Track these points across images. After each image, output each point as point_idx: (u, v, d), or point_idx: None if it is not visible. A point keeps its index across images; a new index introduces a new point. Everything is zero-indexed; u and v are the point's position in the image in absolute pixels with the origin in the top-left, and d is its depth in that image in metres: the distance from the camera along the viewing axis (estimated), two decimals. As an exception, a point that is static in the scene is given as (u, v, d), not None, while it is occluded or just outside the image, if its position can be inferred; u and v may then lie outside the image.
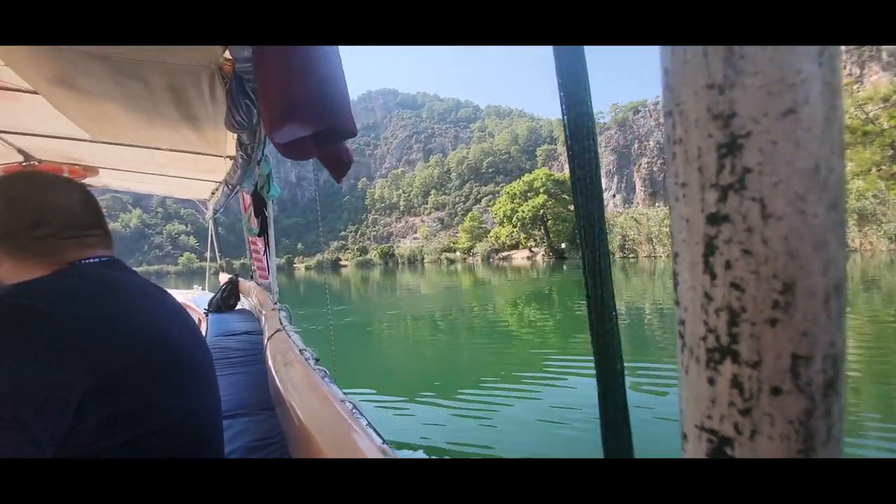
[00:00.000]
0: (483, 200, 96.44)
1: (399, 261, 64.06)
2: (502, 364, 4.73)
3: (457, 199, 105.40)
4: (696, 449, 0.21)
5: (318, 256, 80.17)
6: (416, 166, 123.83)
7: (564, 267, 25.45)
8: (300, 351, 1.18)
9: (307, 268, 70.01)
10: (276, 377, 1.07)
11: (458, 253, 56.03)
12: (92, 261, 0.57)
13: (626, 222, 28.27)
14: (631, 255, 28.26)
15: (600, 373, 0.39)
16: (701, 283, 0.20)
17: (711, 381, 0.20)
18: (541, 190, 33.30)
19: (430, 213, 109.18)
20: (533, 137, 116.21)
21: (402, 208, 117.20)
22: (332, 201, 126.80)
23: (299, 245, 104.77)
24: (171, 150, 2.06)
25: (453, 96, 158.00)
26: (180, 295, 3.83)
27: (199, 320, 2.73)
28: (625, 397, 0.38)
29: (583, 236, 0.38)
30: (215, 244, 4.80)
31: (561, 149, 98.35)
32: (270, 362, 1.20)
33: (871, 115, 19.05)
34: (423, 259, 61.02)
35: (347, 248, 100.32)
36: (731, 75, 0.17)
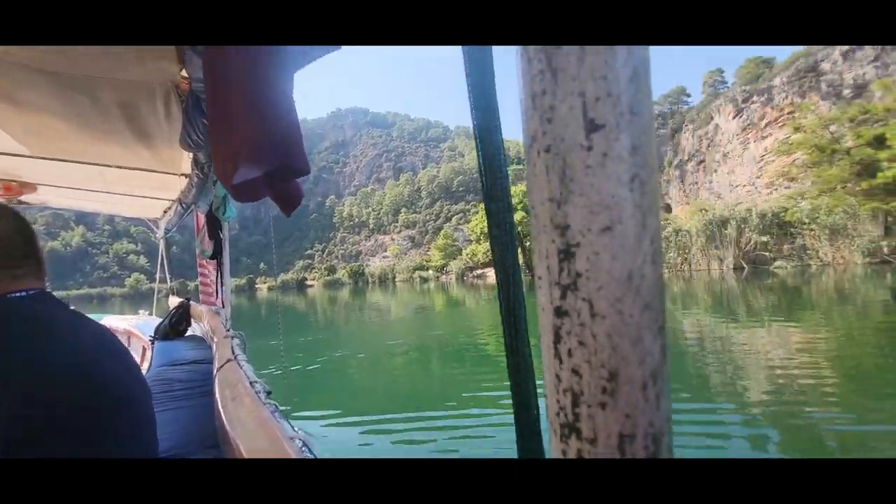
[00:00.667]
0: (454, 219, 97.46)
1: (369, 280, 63.10)
2: (475, 395, 4.64)
3: (427, 217, 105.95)
4: None
5: (283, 276, 77.63)
6: (387, 184, 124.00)
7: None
8: (251, 383, 1.12)
9: (270, 288, 67.47)
10: (222, 412, 1.01)
11: (430, 271, 55.95)
12: (20, 294, 0.56)
13: None
14: None
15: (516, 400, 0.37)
16: (552, 366, 0.23)
17: (564, 453, 0.24)
18: (518, 206, 33.85)
19: (400, 231, 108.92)
20: (505, 158, 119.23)
21: (371, 226, 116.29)
22: (299, 219, 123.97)
23: (262, 265, 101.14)
24: (120, 168, 1.98)
25: (423, 116, 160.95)
26: (123, 321, 3.60)
27: (144, 349, 2.57)
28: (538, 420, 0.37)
29: (497, 256, 0.36)
30: (166, 265, 4.59)
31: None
32: (218, 395, 1.14)
33: (836, 134, 20.70)
34: (394, 278, 60.41)
35: (314, 268, 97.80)
36: (564, 193, 0.21)
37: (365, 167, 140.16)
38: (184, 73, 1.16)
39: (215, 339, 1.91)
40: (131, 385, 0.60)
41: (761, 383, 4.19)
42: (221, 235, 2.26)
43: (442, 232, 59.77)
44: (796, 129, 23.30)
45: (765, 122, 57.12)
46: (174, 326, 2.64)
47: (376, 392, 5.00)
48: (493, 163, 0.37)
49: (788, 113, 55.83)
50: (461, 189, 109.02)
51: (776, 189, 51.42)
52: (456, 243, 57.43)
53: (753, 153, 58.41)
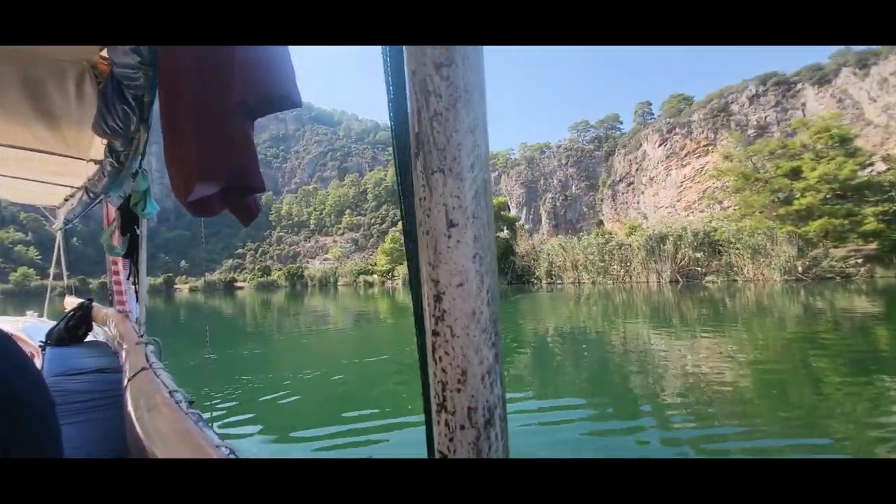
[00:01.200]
0: (400, 223, 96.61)
1: (309, 283, 60.21)
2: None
3: (373, 220, 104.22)
4: None
5: (208, 276, 71.48)
6: (331, 184, 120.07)
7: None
8: (170, 393, 1.07)
9: (193, 289, 61.75)
10: (136, 424, 0.96)
11: (375, 276, 54.82)
12: None
13: (553, 249, 30.01)
14: (557, 282, 30.19)
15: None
16: (430, 366, 0.36)
17: (437, 423, 0.36)
18: None
19: (343, 233, 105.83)
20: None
21: (312, 227, 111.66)
22: (228, 214, 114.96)
23: (182, 262, 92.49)
24: (15, 147, 1.74)
25: (372, 118, 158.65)
26: (6, 323, 3.13)
27: (32, 356, 2.25)
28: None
29: (408, 251, 0.44)
30: (63, 260, 4.06)
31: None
32: (131, 407, 1.08)
33: (758, 165, 23.47)
34: (336, 282, 58.25)
35: (245, 268, 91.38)
36: (435, 261, 0.34)
37: (307, 164, 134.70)
38: (104, 53, 1.07)
39: (125, 346, 1.80)
40: (38, 402, 0.55)
41: (676, 387, 4.65)
42: (138, 231, 2.08)
43: (388, 236, 58.75)
44: (726, 158, 26.48)
45: (685, 152, 64.18)
46: (71, 331, 2.34)
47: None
48: (405, 161, 0.41)
49: (704, 146, 63.18)
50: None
51: (692, 212, 57.77)
52: (401, 248, 57.08)
53: (675, 179, 65.24)
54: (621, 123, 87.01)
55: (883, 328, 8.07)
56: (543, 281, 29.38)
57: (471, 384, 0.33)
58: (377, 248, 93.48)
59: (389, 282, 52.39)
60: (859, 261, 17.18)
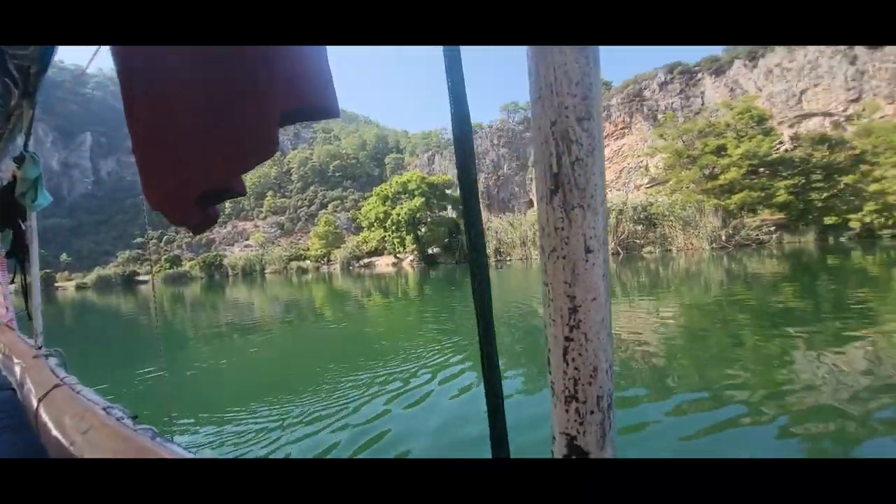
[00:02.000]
0: (330, 206, 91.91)
1: (230, 272, 54.34)
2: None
3: (299, 202, 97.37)
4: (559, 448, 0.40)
5: (100, 270, 61.04)
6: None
7: (433, 272, 25.69)
8: (105, 409, 0.94)
9: (81, 286, 52.26)
10: (69, 448, 0.84)
11: (308, 262, 51.18)
12: None
13: (501, 226, 30.05)
14: (507, 258, 30.39)
15: (488, 381, 0.50)
16: (564, 365, 0.40)
17: (567, 411, 0.40)
18: (416, 192, 33.00)
19: (265, 217, 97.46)
20: (381, 146, 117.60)
21: (228, 211, 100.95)
22: (122, 198, 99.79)
23: (64, 256, 78.10)
24: None
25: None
26: None
27: None
28: (501, 398, 0.51)
29: (469, 242, 0.46)
30: None
31: (409, 158, 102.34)
32: (55, 431, 0.95)
33: (687, 143, 25.30)
34: (262, 269, 53.34)
35: (147, 259, 79.88)
36: (573, 279, 0.38)
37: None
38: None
39: (18, 361, 1.73)
40: None
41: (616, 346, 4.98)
42: (24, 226, 1.91)
43: (323, 218, 54.67)
44: (661, 136, 28.33)
45: (604, 134, 68.96)
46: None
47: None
48: (467, 164, 0.46)
49: (622, 129, 68.34)
50: (338, 174, 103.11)
51: (610, 190, 62.64)
52: (338, 230, 53.75)
53: (596, 159, 70.06)
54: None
55: (789, 287, 9.31)
56: (492, 258, 29.63)
57: (599, 377, 0.39)
58: (306, 232, 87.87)
59: (325, 266, 49.35)
60: (772, 229, 19.81)
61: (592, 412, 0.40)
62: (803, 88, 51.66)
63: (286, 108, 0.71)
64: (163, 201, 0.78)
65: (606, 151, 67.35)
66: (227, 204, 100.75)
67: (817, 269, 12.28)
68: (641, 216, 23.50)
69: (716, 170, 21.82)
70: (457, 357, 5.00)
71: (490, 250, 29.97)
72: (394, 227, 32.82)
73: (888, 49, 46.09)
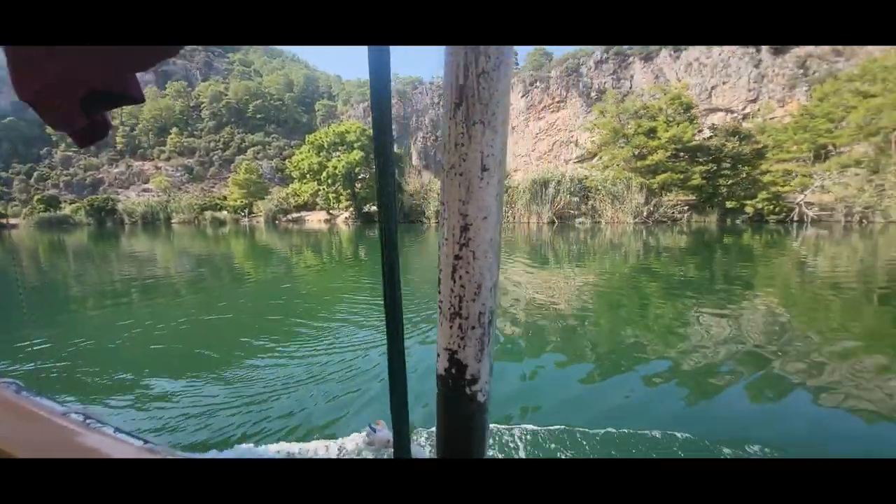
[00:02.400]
0: (250, 151, 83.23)
1: (126, 220, 47.02)
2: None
3: (212, 144, 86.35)
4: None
5: (-55, 208, 48.81)
6: (145, 91, 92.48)
7: (370, 232, 24.74)
8: None
9: None
10: None
11: (225, 212, 46.13)
12: None
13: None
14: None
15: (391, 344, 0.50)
16: (451, 283, 0.44)
17: (451, 327, 0.43)
18: (355, 145, 30.38)
19: (169, 158, 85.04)
20: (310, 89, 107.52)
21: (120, 147, 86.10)
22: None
23: None
24: None
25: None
26: None
27: None
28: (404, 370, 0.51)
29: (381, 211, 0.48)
30: None
31: (342, 107, 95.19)
32: None
33: (623, 122, 26.56)
34: (168, 218, 46.96)
35: (13, 199, 65.94)
36: (467, 197, 0.41)
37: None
38: None
39: None
40: None
41: (530, 310, 5.48)
42: None
43: (243, 164, 48.70)
44: (601, 112, 29.33)
45: (542, 105, 70.43)
46: None
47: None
48: (384, 127, 0.44)
49: (558, 102, 70.38)
50: (259, 116, 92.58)
51: (543, 162, 65.27)
52: (261, 180, 48.77)
53: (532, 130, 71.85)
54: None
55: (691, 259, 10.99)
56: (432, 220, 29.36)
57: (483, 295, 0.41)
58: (221, 178, 78.92)
59: (246, 219, 44.99)
60: (685, 209, 22.30)
61: (473, 327, 0.42)
62: (714, 84, 57.49)
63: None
64: (39, 95, 0.65)
65: (541, 124, 69.23)
66: (119, 139, 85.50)
67: (715, 246, 14.15)
68: (577, 188, 24.86)
69: (645, 150, 23.65)
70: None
71: (431, 212, 29.64)
72: (329, 181, 30.30)
73: (788, 56, 52.77)
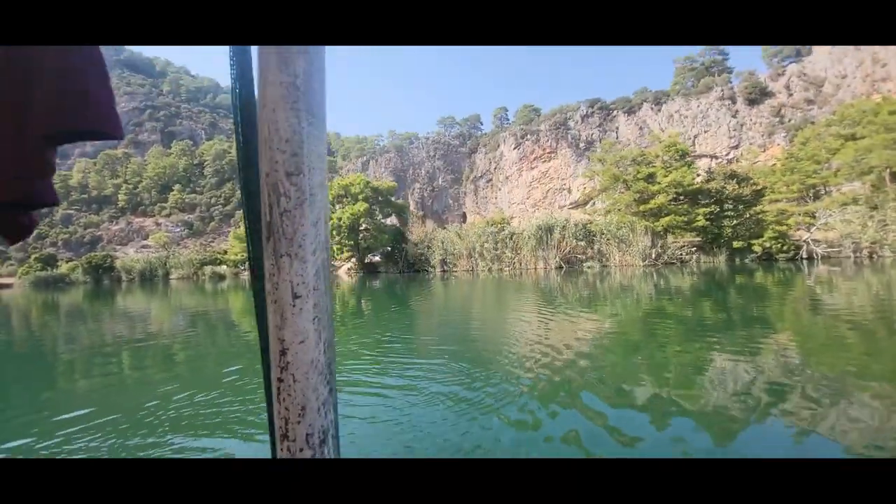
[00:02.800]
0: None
1: (124, 277, 46.16)
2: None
3: (213, 199, 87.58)
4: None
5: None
6: (151, 151, 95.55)
7: (374, 282, 24.22)
8: None
9: None
10: None
11: (225, 267, 45.54)
12: None
13: (448, 236, 29.33)
14: (454, 269, 29.65)
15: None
16: (277, 405, 0.43)
17: (281, 451, 0.40)
18: (360, 196, 30.75)
19: (170, 214, 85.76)
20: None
21: (122, 204, 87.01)
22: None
23: None
24: None
25: (211, 77, 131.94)
26: None
27: None
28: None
29: (249, 234, 0.48)
30: None
31: (342, 162, 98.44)
32: None
33: (622, 169, 27.19)
34: (167, 274, 46.20)
35: (9, 258, 65.16)
36: (282, 322, 0.42)
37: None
38: None
39: None
40: None
41: (544, 357, 5.08)
42: None
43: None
44: (600, 160, 30.24)
45: (534, 156, 73.29)
46: None
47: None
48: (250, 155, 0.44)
49: (549, 153, 73.30)
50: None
51: (538, 209, 66.63)
52: (262, 234, 48.59)
53: (525, 179, 74.13)
54: (482, 124, 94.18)
55: (705, 300, 10.55)
56: (437, 269, 29.01)
57: (309, 416, 0.40)
58: (221, 233, 79.25)
59: (246, 273, 44.46)
60: (693, 250, 22.33)
61: (302, 449, 0.41)
62: (696, 133, 60.50)
63: (52, 130, 0.67)
64: None
65: (534, 173, 71.71)
66: (122, 196, 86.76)
67: (728, 286, 13.79)
68: (581, 233, 24.95)
69: (646, 195, 24.14)
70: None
71: (436, 261, 29.36)
72: (334, 233, 30.30)
73: (763, 106, 56.11)
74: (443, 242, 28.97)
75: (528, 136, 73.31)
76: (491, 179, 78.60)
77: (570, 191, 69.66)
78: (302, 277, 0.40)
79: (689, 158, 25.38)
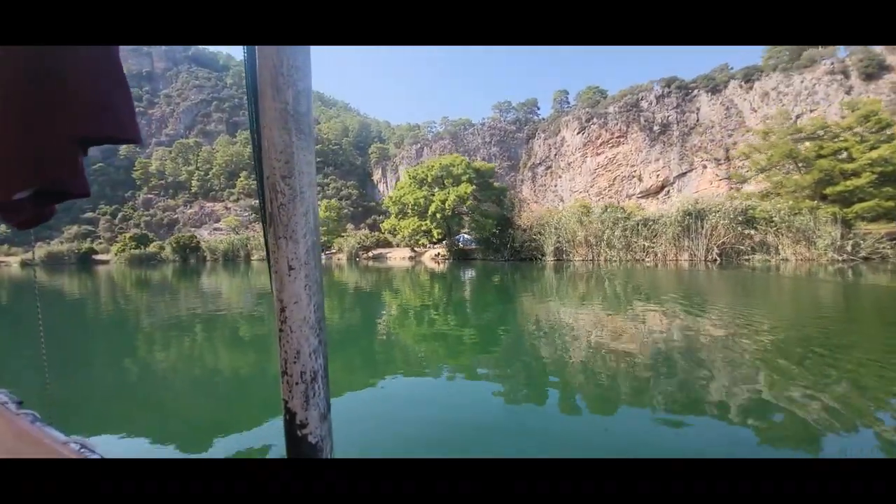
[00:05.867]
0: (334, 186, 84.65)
1: (207, 257, 46.01)
2: None
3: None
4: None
5: (48, 247, 49.77)
6: (218, 140, 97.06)
7: (469, 271, 20.84)
8: None
9: (26, 263, 41.68)
10: None
11: (301, 250, 44.14)
12: None
13: (566, 222, 25.37)
14: (570, 258, 25.90)
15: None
16: (280, 349, 0.54)
17: (284, 383, 0.53)
18: (462, 178, 27.47)
19: (238, 199, 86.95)
20: (364, 134, 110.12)
21: (195, 190, 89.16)
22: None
23: (1, 228, 64.25)
24: None
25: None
26: None
27: None
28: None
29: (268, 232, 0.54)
30: None
31: (394, 150, 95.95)
32: None
33: (803, 148, 22.13)
34: (248, 255, 45.55)
35: (98, 237, 67.91)
36: (281, 287, 0.53)
37: (184, 114, 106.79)
38: None
39: None
40: None
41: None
42: None
43: (324, 203, 47.21)
44: (766, 135, 25.31)
45: (600, 141, 67.04)
46: None
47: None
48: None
49: (617, 137, 66.85)
50: (318, 160, 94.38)
51: (602, 198, 61.01)
52: (339, 217, 47.00)
53: (590, 166, 68.21)
54: (538, 109, 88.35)
55: None
56: (549, 257, 25.40)
57: (302, 359, 0.49)
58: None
59: (323, 256, 42.82)
60: (894, 241, 17.49)
61: (297, 383, 0.50)
62: (799, 112, 52.44)
63: (82, 134, 0.68)
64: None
65: (600, 159, 65.60)
66: (194, 182, 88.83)
67: None
68: (739, 220, 20.38)
69: (832, 176, 19.21)
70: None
71: (548, 248, 25.67)
72: (439, 216, 27.01)
73: (881, 81, 47.58)
74: (556, 229, 25.09)
75: (595, 120, 67.17)
76: (550, 166, 73.23)
77: (640, 178, 63.36)
78: (295, 254, 0.49)
79: (893, 131, 19.97)
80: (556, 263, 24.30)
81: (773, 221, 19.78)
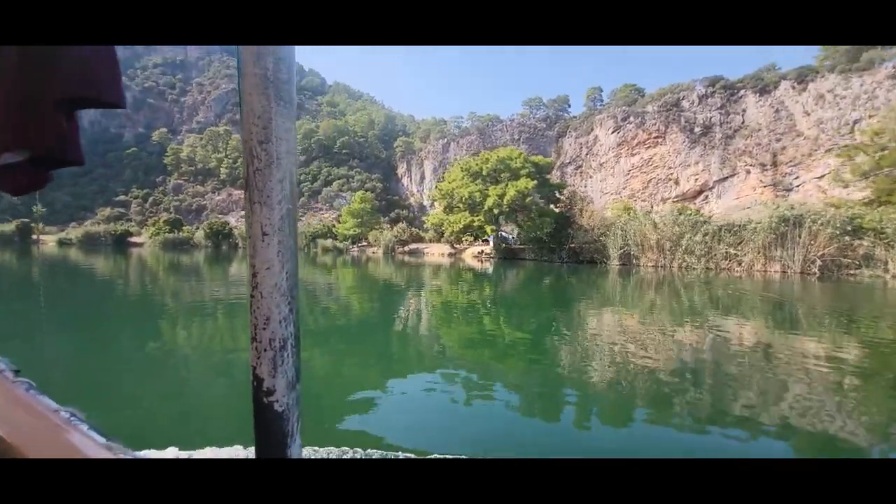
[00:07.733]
0: (335, 183, 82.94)
1: (240, 243, 44.95)
2: None
3: (301, 177, 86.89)
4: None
5: (83, 228, 49.47)
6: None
7: (517, 272, 18.70)
8: None
9: (64, 242, 41.30)
10: None
11: (330, 241, 42.65)
12: None
13: (636, 225, 22.89)
14: (637, 264, 23.73)
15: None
16: (250, 315, 0.50)
17: (254, 350, 0.50)
18: (522, 172, 25.29)
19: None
20: (389, 127, 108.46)
21: (223, 176, 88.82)
22: (107, 150, 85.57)
23: (37, 207, 64.66)
24: None
25: (297, 62, 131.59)
26: None
27: None
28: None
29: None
30: None
31: (419, 144, 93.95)
32: None
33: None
34: (281, 245, 44.24)
35: (129, 219, 67.88)
36: (254, 252, 0.50)
37: (215, 101, 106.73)
38: None
39: None
40: None
41: None
42: None
43: (359, 195, 45.53)
44: (876, 134, 22.57)
45: (636, 141, 63.65)
46: None
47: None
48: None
49: (655, 137, 63.39)
50: (345, 152, 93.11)
51: (636, 201, 57.90)
52: (374, 209, 45.28)
53: (623, 167, 64.92)
54: (569, 106, 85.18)
55: None
56: (614, 261, 23.13)
57: (272, 325, 0.49)
58: (311, 208, 78.39)
59: (355, 249, 41.19)
60: None
61: (266, 350, 0.49)
62: (857, 118, 48.43)
63: (63, 96, 0.68)
64: None
65: (635, 160, 62.29)
66: (223, 170, 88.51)
67: None
68: (847, 230, 17.77)
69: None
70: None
71: (614, 252, 23.39)
72: (496, 211, 24.75)
73: (955, 85, 43.40)
74: (623, 230, 22.72)
75: (631, 119, 63.83)
76: (581, 166, 70.15)
77: (676, 181, 60.00)
78: (269, 220, 0.48)
79: None
80: (621, 268, 22.02)
81: (884, 233, 17.18)
